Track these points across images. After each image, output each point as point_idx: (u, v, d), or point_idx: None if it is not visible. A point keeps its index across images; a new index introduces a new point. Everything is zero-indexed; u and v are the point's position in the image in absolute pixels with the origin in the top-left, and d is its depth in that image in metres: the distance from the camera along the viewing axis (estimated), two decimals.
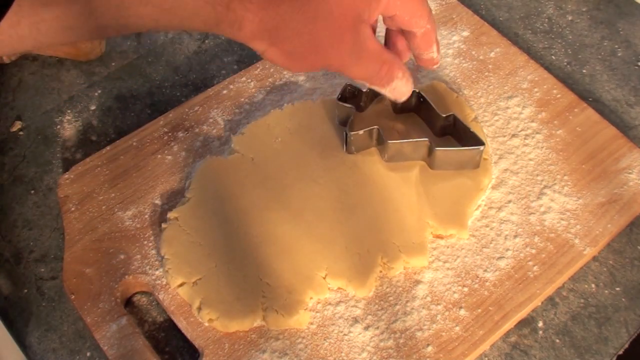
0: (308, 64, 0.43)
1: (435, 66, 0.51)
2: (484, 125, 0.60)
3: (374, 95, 0.59)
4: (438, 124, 0.57)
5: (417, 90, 0.57)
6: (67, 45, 0.67)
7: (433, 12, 0.68)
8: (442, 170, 0.56)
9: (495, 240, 0.54)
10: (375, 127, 0.55)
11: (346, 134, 0.55)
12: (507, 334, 0.52)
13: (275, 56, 0.42)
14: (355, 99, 0.58)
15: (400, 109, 0.59)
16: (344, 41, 0.42)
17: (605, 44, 0.70)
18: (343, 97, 0.57)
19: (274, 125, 0.59)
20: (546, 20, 0.72)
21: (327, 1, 0.41)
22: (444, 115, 0.56)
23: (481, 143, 0.54)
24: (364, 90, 0.57)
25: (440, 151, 0.54)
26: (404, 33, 0.49)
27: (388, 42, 0.51)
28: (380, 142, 0.56)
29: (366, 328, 0.50)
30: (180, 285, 0.52)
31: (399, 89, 0.48)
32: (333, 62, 0.43)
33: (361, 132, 0.55)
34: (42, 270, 0.56)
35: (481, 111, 0.61)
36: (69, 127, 0.65)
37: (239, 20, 0.39)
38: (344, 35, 0.42)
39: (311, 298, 0.51)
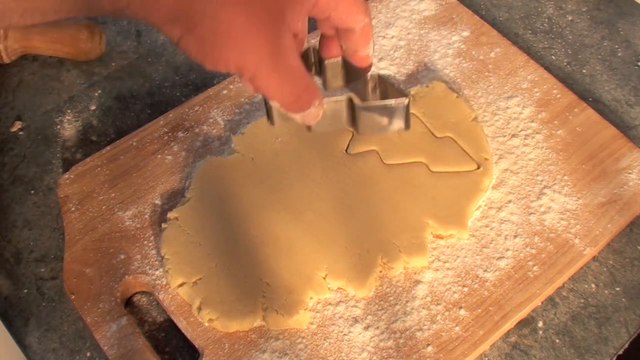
0: (223, 57, 0.39)
1: (368, 69, 0.47)
2: (484, 125, 0.60)
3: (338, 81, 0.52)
4: (365, 89, 0.50)
5: (343, 57, 0.50)
6: (67, 45, 0.67)
7: (433, 13, 0.69)
8: (442, 169, 0.56)
9: (495, 240, 0.54)
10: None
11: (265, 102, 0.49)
12: (507, 334, 0.52)
13: (189, 44, 0.38)
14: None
15: (330, 83, 0.52)
16: (262, 37, 0.38)
17: (605, 44, 0.70)
18: None
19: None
20: (546, 20, 0.72)
21: None
22: (368, 77, 0.49)
23: (405, 96, 0.47)
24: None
25: (359, 108, 0.47)
26: (338, 33, 0.46)
27: (323, 48, 0.48)
28: None
29: (366, 328, 0.50)
30: (180, 285, 0.52)
31: (311, 115, 0.45)
32: (248, 61, 0.39)
33: None
34: (42, 270, 0.56)
35: (481, 111, 0.61)
36: (69, 127, 0.65)
37: (152, 2, 0.36)
38: (263, 30, 0.38)
39: (311, 298, 0.51)
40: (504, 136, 0.60)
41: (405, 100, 0.47)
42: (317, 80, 0.51)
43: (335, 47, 0.48)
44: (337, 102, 0.48)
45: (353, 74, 0.51)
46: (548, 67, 0.66)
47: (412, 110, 0.60)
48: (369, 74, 0.49)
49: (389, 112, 0.48)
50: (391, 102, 0.48)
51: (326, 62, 0.50)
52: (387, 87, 0.50)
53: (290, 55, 0.40)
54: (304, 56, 0.50)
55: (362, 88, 0.51)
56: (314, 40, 0.52)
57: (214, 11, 0.37)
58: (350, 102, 0.48)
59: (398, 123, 0.49)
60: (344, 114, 0.49)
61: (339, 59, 0.50)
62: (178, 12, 0.37)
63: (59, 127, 0.65)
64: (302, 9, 0.40)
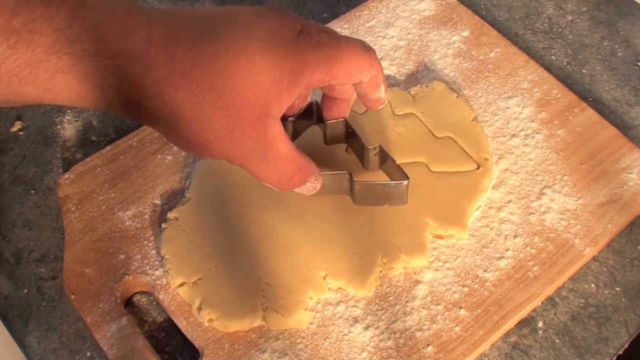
0: (208, 153, 0.39)
1: (380, 107, 0.48)
2: (484, 125, 0.60)
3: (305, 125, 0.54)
4: (366, 155, 0.53)
5: (346, 119, 0.51)
6: None
7: (433, 13, 0.69)
8: (442, 169, 0.56)
9: (495, 240, 0.54)
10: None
11: None
12: (507, 334, 0.52)
13: (174, 141, 0.39)
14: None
15: (331, 140, 0.54)
16: (245, 135, 0.38)
17: (605, 44, 0.70)
18: None
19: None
20: (546, 20, 0.72)
21: (229, 90, 0.37)
22: (370, 147, 0.51)
23: (405, 177, 0.49)
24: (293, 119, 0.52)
25: (358, 185, 0.50)
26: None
27: (325, 109, 0.48)
28: None
29: (366, 328, 0.50)
30: (180, 285, 0.52)
31: (307, 189, 0.45)
32: (233, 157, 0.40)
33: None
34: (42, 270, 0.56)
35: (481, 111, 0.61)
36: (69, 127, 0.65)
37: (133, 106, 0.36)
38: (245, 130, 0.38)
39: (311, 298, 0.51)
40: (504, 136, 0.60)
41: (404, 182, 0.49)
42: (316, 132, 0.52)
43: (337, 109, 0.48)
44: (337, 175, 0.49)
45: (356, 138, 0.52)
46: (548, 67, 0.66)
47: (412, 110, 0.60)
48: (372, 146, 0.51)
49: (387, 190, 0.50)
50: (390, 183, 0.50)
51: (327, 121, 0.51)
52: (387, 157, 0.51)
53: (279, 144, 0.40)
54: (307, 111, 0.51)
55: (363, 152, 0.53)
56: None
57: (194, 119, 0.37)
58: (350, 177, 0.49)
59: (395, 201, 0.51)
60: (344, 185, 0.50)
61: (342, 120, 0.50)
62: (158, 118, 0.37)
63: (59, 127, 0.65)
64: (291, 96, 0.40)
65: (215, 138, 0.38)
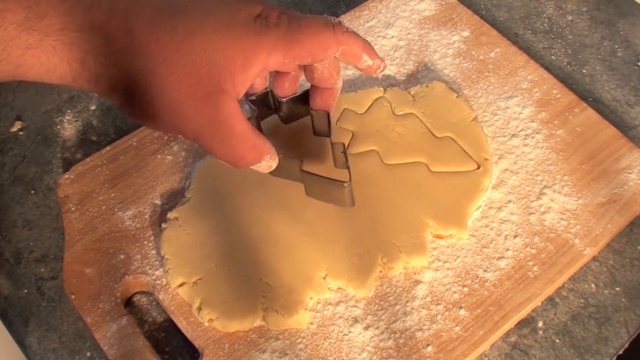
0: (162, 126, 0.41)
1: (379, 71, 0.47)
2: (484, 125, 0.60)
3: (298, 113, 0.53)
4: (333, 151, 0.52)
5: (327, 113, 0.50)
6: None
7: (433, 13, 0.69)
8: (442, 169, 0.56)
9: (495, 240, 0.54)
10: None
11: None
12: (507, 334, 0.52)
13: (130, 112, 0.40)
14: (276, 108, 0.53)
15: (317, 132, 0.53)
16: (196, 110, 0.39)
17: (605, 44, 0.70)
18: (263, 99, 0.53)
19: (275, 125, 0.59)
20: (546, 20, 0.72)
21: (182, 65, 0.38)
22: (334, 142, 0.51)
23: (346, 179, 0.48)
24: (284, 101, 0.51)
25: (305, 174, 0.49)
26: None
27: (310, 97, 0.48)
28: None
29: (366, 328, 0.50)
30: (180, 285, 0.52)
31: (262, 167, 0.45)
32: (185, 131, 0.40)
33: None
34: (42, 270, 0.56)
35: (481, 111, 0.61)
36: (69, 127, 0.65)
37: (95, 77, 0.38)
38: (197, 105, 0.39)
39: (311, 298, 0.51)
40: (504, 136, 0.60)
41: (344, 183, 0.48)
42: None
43: (320, 99, 0.48)
44: (290, 160, 0.49)
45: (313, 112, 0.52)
46: (548, 67, 0.66)
47: (412, 110, 0.60)
48: (336, 142, 0.51)
49: (327, 187, 0.49)
50: (330, 180, 0.48)
51: (312, 112, 0.51)
52: (346, 158, 0.51)
53: (233, 121, 0.41)
54: (264, 98, 0.51)
55: (324, 127, 0.52)
56: None
57: (149, 90, 0.38)
58: (300, 164, 0.49)
59: (337, 201, 0.50)
60: (296, 172, 0.50)
61: (325, 112, 0.50)
62: (116, 89, 0.39)
63: (59, 127, 0.65)
64: (245, 77, 0.40)
65: (166, 110, 0.39)
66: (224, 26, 0.39)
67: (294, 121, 0.55)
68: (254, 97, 0.53)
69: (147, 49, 0.38)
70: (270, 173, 0.48)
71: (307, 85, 0.49)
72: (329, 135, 0.54)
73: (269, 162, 0.45)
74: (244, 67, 0.40)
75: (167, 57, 0.38)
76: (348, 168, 0.50)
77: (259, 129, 0.52)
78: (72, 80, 0.39)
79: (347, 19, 0.68)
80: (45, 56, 0.37)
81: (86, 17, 0.37)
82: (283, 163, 0.49)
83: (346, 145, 0.58)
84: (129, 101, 0.40)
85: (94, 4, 0.37)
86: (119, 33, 0.37)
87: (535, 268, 0.53)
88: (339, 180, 0.48)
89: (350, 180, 0.48)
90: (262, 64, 0.41)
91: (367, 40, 0.45)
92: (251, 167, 0.45)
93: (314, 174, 0.49)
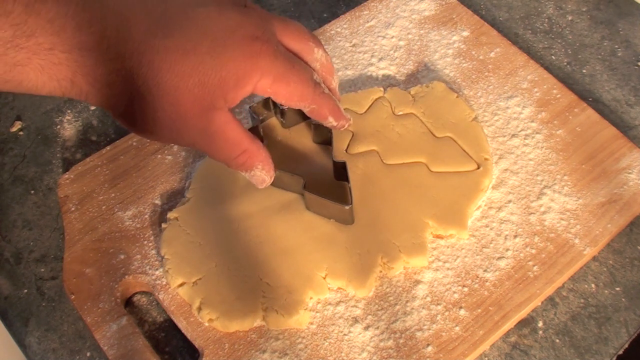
0: (155, 139, 0.42)
1: (342, 129, 0.50)
2: (484, 125, 0.60)
3: (297, 119, 0.57)
4: (333, 166, 0.55)
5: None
6: None
7: (433, 13, 0.69)
8: (442, 169, 0.57)
9: (495, 240, 0.54)
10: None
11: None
12: (507, 334, 0.52)
13: (122, 124, 0.41)
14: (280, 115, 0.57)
15: (317, 140, 0.57)
16: (189, 126, 0.40)
17: (605, 44, 0.70)
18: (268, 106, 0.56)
19: (275, 125, 0.59)
20: (546, 20, 0.72)
21: (176, 87, 0.38)
22: (335, 160, 0.54)
23: (348, 202, 0.51)
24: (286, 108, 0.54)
25: (307, 193, 0.52)
26: None
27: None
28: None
29: (366, 328, 0.50)
30: (180, 285, 0.52)
31: (257, 178, 0.46)
32: (181, 143, 0.42)
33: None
34: (42, 270, 0.56)
35: (481, 111, 0.61)
36: (69, 127, 0.65)
37: (85, 94, 0.38)
38: (190, 122, 0.40)
39: (311, 298, 0.51)
40: (504, 136, 0.60)
41: (346, 207, 0.51)
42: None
43: None
44: (293, 177, 0.52)
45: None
46: (548, 67, 0.66)
47: (412, 110, 0.60)
48: (339, 161, 0.53)
49: (331, 207, 0.52)
50: (334, 203, 0.52)
51: (312, 122, 0.54)
52: (347, 178, 0.53)
53: (226, 130, 0.42)
54: (264, 104, 0.54)
55: (328, 136, 0.55)
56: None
57: (143, 109, 0.39)
58: (304, 184, 0.52)
59: (339, 219, 0.53)
60: (299, 188, 0.53)
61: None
62: (108, 106, 0.39)
63: (59, 127, 0.65)
64: (237, 95, 0.41)
65: (159, 128, 0.40)
66: (219, 47, 0.39)
67: (293, 125, 0.56)
68: (254, 104, 0.55)
69: (139, 72, 0.38)
70: (272, 185, 0.49)
71: None
72: (329, 142, 0.55)
73: (261, 172, 0.46)
74: (236, 87, 0.40)
75: (160, 80, 0.38)
76: (350, 190, 0.52)
77: (260, 136, 0.53)
78: (62, 94, 0.38)
79: (347, 19, 0.68)
80: (34, 73, 0.37)
81: (75, 38, 0.36)
82: (286, 179, 0.52)
83: (346, 146, 0.58)
84: (121, 115, 0.40)
85: (83, 25, 0.36)
86: (110, 56, 0.37)
87: (535, 268, 0.53)
88: (341, 204, 0.51)
89: (352, 202, 0.51)
90: (254, 85, 0.41)
91: (336, 103, 0.47)
92: (246, 177, 0.46)
93: (319, 197, 0.51)
